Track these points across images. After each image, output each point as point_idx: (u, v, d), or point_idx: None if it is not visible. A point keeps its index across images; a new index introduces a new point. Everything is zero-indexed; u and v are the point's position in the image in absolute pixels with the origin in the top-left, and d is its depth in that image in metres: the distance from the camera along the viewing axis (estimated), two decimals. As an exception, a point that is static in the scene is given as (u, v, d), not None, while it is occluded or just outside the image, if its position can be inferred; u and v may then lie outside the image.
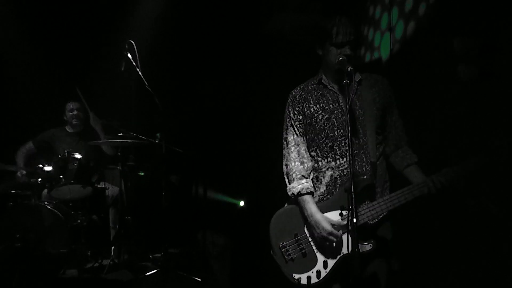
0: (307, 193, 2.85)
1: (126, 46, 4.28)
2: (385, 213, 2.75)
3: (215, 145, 5.46)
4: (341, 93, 2.87)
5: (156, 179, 4.79)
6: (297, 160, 2.91)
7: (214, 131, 5.51)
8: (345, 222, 2.72)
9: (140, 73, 4.29)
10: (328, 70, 2.89)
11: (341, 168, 2.83)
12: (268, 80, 4.86)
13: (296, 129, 2.94)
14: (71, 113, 4.95)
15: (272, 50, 4.91)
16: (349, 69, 2.62)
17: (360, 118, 2.79)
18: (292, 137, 2.95)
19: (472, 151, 2.71)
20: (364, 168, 2.80)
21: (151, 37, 5.08)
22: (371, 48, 4.40)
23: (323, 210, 2.81)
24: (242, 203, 5.94)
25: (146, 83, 4.26)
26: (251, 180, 5.51)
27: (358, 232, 2.56)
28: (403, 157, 2.90)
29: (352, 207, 2.44)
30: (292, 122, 2.94)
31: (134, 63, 4.26)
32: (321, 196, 2.88)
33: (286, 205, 2.94)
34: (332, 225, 2.74)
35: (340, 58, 2.71)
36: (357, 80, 2.78)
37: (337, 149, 2.84)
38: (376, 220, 2.75)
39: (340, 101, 2.87)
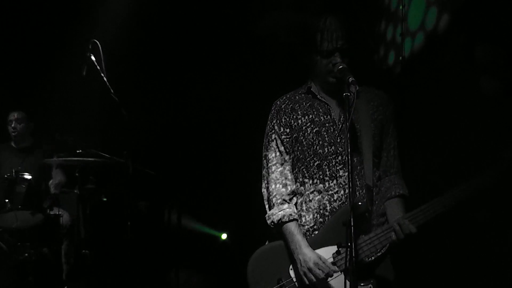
0: (291, 221, 2.85)
1: (89, 47, 4.29)
2: (383, 250, 2.76)
3: (192, 166, 5.48)
4: (334, 105, 2.93)
5: (121, 205, 4.75)
6: (278, 182, 2.94)
7: (191, 149, 5.54)
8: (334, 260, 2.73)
9: (105, 78, 4.29)
10: (317, 80, 2.96)
11: (330, 192, 2.85)
12: (256, 91, 4.89)
13: (281, 145, 2.97)
14: (9, 126, 4.97)
15: (262, 55, 4.98)
16: (350, 79, 2.66)
17: (356, 135, 2.84)
18: (274, 154, 2.98)
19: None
20: (358, 193, 2.82)
21: (119, 36, 5.13)
22: (394, 46, 4.42)
23: (314, 246, 2.81)
24: (224, 236, 5.92)
25: (112, 91, 4.28)
26: (236, 208, 5.52)
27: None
28: (387, 188, 2.92)
29: (351, 244, 2.45)
30: (277, 136, 2.98)
31: (98, 67, 4.27)
32: (307, 227, 2.89)
33: (267, 242, 2.93)
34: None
35: (341, 67, 2.75)
36: (353, 92, 2.80)
37: (326, 169, 2.87)
38: (373, 257, 2.77)
39: (332, 113, 2.92)
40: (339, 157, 2.85)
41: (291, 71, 3.28)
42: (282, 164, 2.96)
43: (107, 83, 4.25)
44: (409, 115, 3.89)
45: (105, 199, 4.96)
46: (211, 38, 5.19)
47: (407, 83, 4.06)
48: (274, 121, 2.99)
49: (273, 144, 2.98)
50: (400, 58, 4.17)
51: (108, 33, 5.01)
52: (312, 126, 2.91)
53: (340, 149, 2.86)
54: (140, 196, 5.14)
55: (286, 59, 3.31)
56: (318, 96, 2.95)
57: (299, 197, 2.93)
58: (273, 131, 3.00)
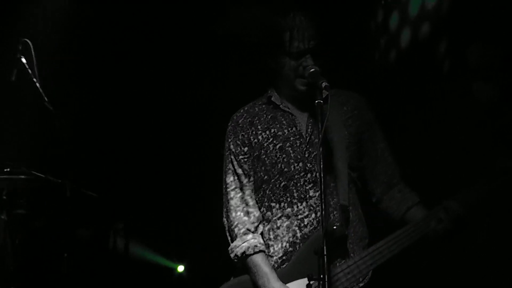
0: (256, 252, 2.86)
1: (20, 47, 4.24)
2: (366, 280, 2.77)
3: (142, 185, 5.47)
4: (300, 115, 2.96)
5: (56, 233, 4.66)
6: (239, 210, 2.95)
7: (141, 166, 5.51)
8: None
9: (38, 84, 4.23)
10: (283, 86, 2.98)
11: (300, 217, 2.86)
12: (215, 100, 4.95)
13: (238, 167, 2.99)
14: None
15: (223, 57, 5.00)
16: (323, 84, 2.68)
17: (327, 147, 2.86)
18: (232, 178, 3.00)
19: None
20: (332, 215, 2.84)
21: (55, 35, 5.09)
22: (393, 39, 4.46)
23: (284, 279, 2.81)
24: (181, 268, 5.93)
25: (46, 99, 4.22)
26: (195, 235, 5.53)
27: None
28: (401, 199, 2.97)
29: (324, 276, 2.46)
30: (234, 157, 3.00)
31: (29, 71, 4.22)
32: (276, 258, 2.89)
33: (232, 278, 2.95)
34: None
35: (312, 70, 2.77)
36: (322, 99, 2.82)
37: (294, 190, 2.88)
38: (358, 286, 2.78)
39: (298, 125, 2.95)
40: (308, 175, 2.87)
41: (255, 76, 3.29)
42: (241, 189, 2.97)
43: (40, 89, 4.20)
44: (398, 119, 3.99)
45: (38, 226, 4.84)
46: (160, 38, 5.18)
47: (397, 83, 4.15)
48: (230, 140, 3.02)
49: (230, 166, 3.00)
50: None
51: (41, 32, 4.97)
52: (274, 141, 2.93)
53: (309, 165, 2.88)
54: (80, 222, 5.03)
55: (250, 62, 3.30)
56: (281, 106, 2.97)
57: (265, 224, 2.94)
58: (229, 151, 3.02)
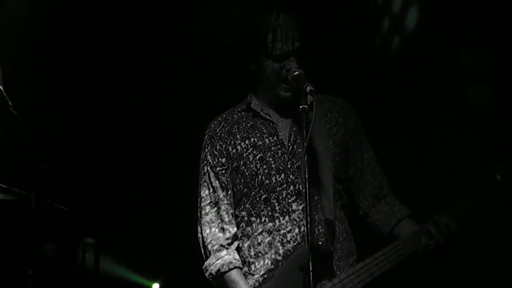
0: (231, 269, 2.85)
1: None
2: None
3: (114, 197, 5.40)
4: (282, 123, 2.95)
5: (21, 250, 4.64)
6: (214, 226, 2.94)
7: (112, 176, 5.44)
8: None
9: (1, 87, 4.12)
10: (265, 91, 2.97)
11: (282, 232, 2.84)
12: (191, 107, 4.94)
13: (215, 179, 2.98)
14: None
15: (200, 59, 4.96)
16: (308, 88, 2.67)
17: (311, 157, 2.84)
18: (208, 192, 2.99)
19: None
20: (317, 230, 2.82)
21: (19, 34, 4.99)
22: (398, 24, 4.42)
23: None
24: (156, 286, 5.86)
25: (10, 103, 4.13)
26: (172, 250, 5.49)
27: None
28: (390, 212, 2.98)
29: None
30: (210, 168, 3.00)
31: (-9, 73, 4.21)
32: (257, 276, 2.87)
33: None
34: None
35: (296, 73, 2.77)
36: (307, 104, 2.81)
37: (275, 204, 2.87)
38: None
39: (280, 133, 2.94)
40: (291, 187, 2.86)
41: (234, 80, 3.29)
42: (216, 203, 2.96)
43: (3, 93, 4.09)
44: (386, 125, 4.05)
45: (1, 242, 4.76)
46: (131, 37, 5.12)
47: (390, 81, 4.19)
48: (207, 150, 3.01)
49: (206, 178, 2.99)
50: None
51: (3, 32, 4.90)
52: (254, 151, 2.92)
53: (291, 177, 2.88)
54: (47, 237, 4.93)
55: (229, 65, 3.29)
56: (261, 113, 2.96)
57: (245, 240, 2.92)
58: (205, 162, 3.01)
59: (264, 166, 2.90)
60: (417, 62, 4.03)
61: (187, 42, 4.92)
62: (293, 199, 2.86)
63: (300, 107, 2.65)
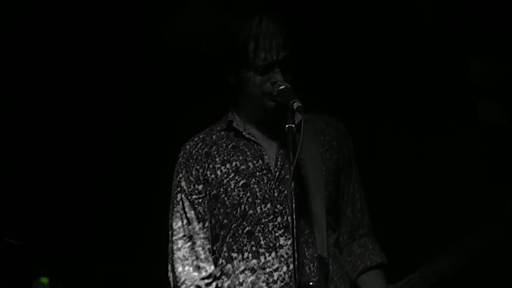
0: None
1: None
2: None
3: (73, 232, 5.24)
4: (268, 144, 2.94)
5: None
6: (187, 264, 2.90)
7: (71, 204, 5.27)
8: None
9: None
10: (247, 108, 2.96)
11: (268, 270, 2.82)
12: (162, 124, 4.85)
13: (190, 209, 2.95)
14: None
15: (172, 70, 4.87)
16: (296, 105, 2.66)
17: (302, 185, 2.86)
18: (180, 223, 2.97)
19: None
20: (308, 268, 2.81)
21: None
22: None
23: None
24: None
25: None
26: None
27: None
28: (359, 256, 2.97)
29: None
30: (185, 196, 2.96)
31: None
32: None
33: None
34: None
35: (282, 87, 2.77)
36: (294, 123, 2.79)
37: (260, 237, 2.84)
38: None
39: (265, 156, 2.92)
40: (278, 219, 2.85)
41: (212, 95, 3.34)
42: (191, 238, 2.93)
43: None
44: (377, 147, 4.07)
45: None
46: (96, 48, 5.04)
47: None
48: (181, 175, 2.98)
49: (179, 208, 2.95)
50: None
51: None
52: (236, 177, 2.90)
53: (279, 207, 2.86)
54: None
55: (206, 78, 3.25)
56: (244, 132, 2.94)
57: (224, 279, 2.88)
58: (179, 189, 2.97)
59: (248, 194, 2.87)
60: (419, 72, 4.06)
61: (155, 51, 4.88)
62: (280, 232, 2.83)
63: (286, 126, 2.64)
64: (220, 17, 3.40)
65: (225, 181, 2.91)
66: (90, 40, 4.90)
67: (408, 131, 4.05)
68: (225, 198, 2.90)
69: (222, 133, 3.01)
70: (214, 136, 3.02)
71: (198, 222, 2.95)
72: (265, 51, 2.82)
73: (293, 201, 2.54)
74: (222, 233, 2.91)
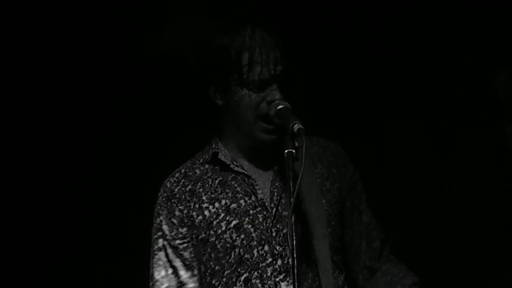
0: None
1: None
2: None
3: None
4: (261, 177, 2.73)
5: None
6: None
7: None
8: None
9: None
10: (236, 133, 2.73)
11: None
12: (142, 158, 4.60)
13: (176, 256, 2.74)
14: None
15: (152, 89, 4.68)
16: (296, 127, 2.45)
17: (301, 222, 2.63)
18: (165, 272, 2.75)
19: None
20: None
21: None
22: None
23: None
24: None
25: None
26: None
27: None
28: (390, 283, 2.78)
29: None
30: (167, 242, 2.75)
31: None
32: None
33: None
34: None
35: (280, 107, 2.55)
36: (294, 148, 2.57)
37: (259, 284, 2.62)
38: None
39: (259, 192, 2.70)
40: (278, 262, 2.62)
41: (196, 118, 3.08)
42: None
43: None
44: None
45: None
46: (71, 58, 4.83)
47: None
48: (162, 218, 2.76)
49: (162, 255, 2.73)
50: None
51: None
52: (227, 218, 2.67)
53: (278, 248, 2.63)
54: None
55: (189, 97, 3.09)
56: (232, 165, 2.71)
57: None
58: (160, 233, 2.75)
59: (242, 236, 2.64)
60: (439, 90, 3.96)
61: (129, 68, 4.68)
62: (281, 277, 2.60)
63: (285, 151, 2.43)
64: (209, 28, 3.18)
65: (214, 222, 2.69)
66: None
67: (433, 152, 3.98)
68: (216, 242, 2.67)
69: (207, 166, 2.77)
70: (197, 171, 2.78)
71: (186, 271, 2.74)
72: (262, 64, 2.60)
73: (294, 239, 2.33)
74: (214, 281, 2.69)
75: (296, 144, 2.45)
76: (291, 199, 2.36)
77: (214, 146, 2.76)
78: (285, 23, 3.62)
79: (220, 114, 2.74)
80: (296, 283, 2.31)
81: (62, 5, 4.67)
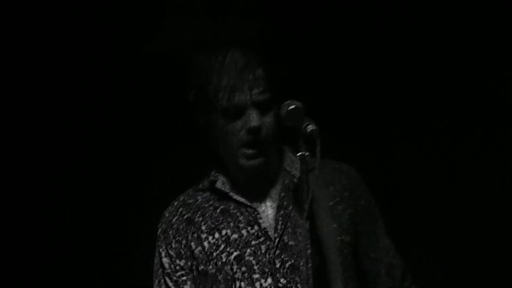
0: None
1: None
2: None
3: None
4: (264, 203, 2.59)
5: None
6: None
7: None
8: None
9: None
10: (226, 159, 2.60)
11: None
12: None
13: None
14: None
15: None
16: (310, 128, 2.29)
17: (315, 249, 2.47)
18: None
19: None
20: None
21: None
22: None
23: None
24: None
25: None
26: None
27: None
28: None
29: None
30: (168, 276, 2.64)
31: None
32: None
33: None
34: None
35: (292, 107, 2.33)
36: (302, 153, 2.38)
37: None
38: None
39: (261, 220, 2.55)
40: None
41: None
42: None
43: None
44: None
45: None
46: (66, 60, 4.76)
47: None
48: (161, 250, 2.66)
49: None
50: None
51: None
52: (228, 249, 2.54)
53: (282, 281, 2.49)
54: None
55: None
56: (231, 193, 2.59)
57: None
58: (159, 266, 2.65)
59: (243, 269, 2.51)
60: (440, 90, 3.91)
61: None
62: None
63: (298, 154, 2.27)
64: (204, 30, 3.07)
65: (214, 254, 2.56)
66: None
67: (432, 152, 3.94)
68: (217, 274, 2.55)
69: (207, 193, 2.66)
70: (199, 198, 2.66)
71: None
72: (235, 90, 2.47)
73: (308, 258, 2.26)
74: None
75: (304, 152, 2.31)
76: (305, 214, 2.27)
77: (212, 173, 2.67)
78: (284, 22, 3.55)
79: (212, 140, 2.64)
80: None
81: (61, 5, 4.64)
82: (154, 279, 2.69)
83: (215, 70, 2.49)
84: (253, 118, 2.46)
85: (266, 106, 2.48)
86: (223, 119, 2.50)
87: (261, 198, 2.60)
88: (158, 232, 2.69)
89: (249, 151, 2.48)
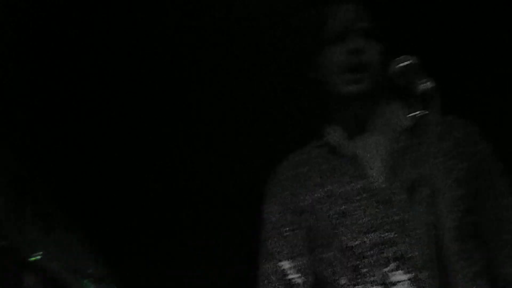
0: None
1: None
2: None
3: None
4: (373, 154, 2.52)
5: None
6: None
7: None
8: None
9: None
10: (336, 110, 2.59)
11: None
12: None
13: (283, 247, 2.57)
14: None
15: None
16: (428, 86, 2.14)
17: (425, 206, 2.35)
18: (272, 263, 2.58)
19: None
20: None
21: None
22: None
23: None
24: None
25: None
26: None
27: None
28: None
29: None
30: (275, 230, 2.59)
31: None
32: None
33: None
34: None
35: (406, 63, 2.19)
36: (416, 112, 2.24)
37: (368, 275, 2.38)
38: None
39: (370, 176, 2.48)
40: (390, 250, 2.38)
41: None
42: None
43: None
44: None
45: None
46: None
47: None
48: (269, 204, 2.62)
49: (268, 243, 2.60)
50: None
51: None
52: (334, 204, 2.47)
53: (389, 234, 2.39)
54: None
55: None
56: (339, 147, 2.53)
57: None
58: (268, 221, 2.61)
59: (348, 222, 2.43)
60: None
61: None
62: (394, 265, 2.35)
63: (414, 114, 2.15)
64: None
65: (320, 208, 2.49)
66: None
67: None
68: (321, 229, 2.49)
69: (317, 151, 2.61)
70: (310, 154, 2.62)
71: (294, 258, 2.55)
72: (339, 20, 2.47)
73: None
74: (321, 269, 2.51)
75: (418, 112, 2.16)
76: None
77: (323, 130, 2.61)
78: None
79: (323, 96, 2.60)
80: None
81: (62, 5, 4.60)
82: (262, 234, 2.63)
83: (325, 15, 2.49)
84: (355, 40, 2.44)
85: (373, 44, 2.46)
86: (329, 48, 2.48)
87: (370, 151, 2.53)
88: (269, 186, 2.65)
89: (353, 76, 2.44)
